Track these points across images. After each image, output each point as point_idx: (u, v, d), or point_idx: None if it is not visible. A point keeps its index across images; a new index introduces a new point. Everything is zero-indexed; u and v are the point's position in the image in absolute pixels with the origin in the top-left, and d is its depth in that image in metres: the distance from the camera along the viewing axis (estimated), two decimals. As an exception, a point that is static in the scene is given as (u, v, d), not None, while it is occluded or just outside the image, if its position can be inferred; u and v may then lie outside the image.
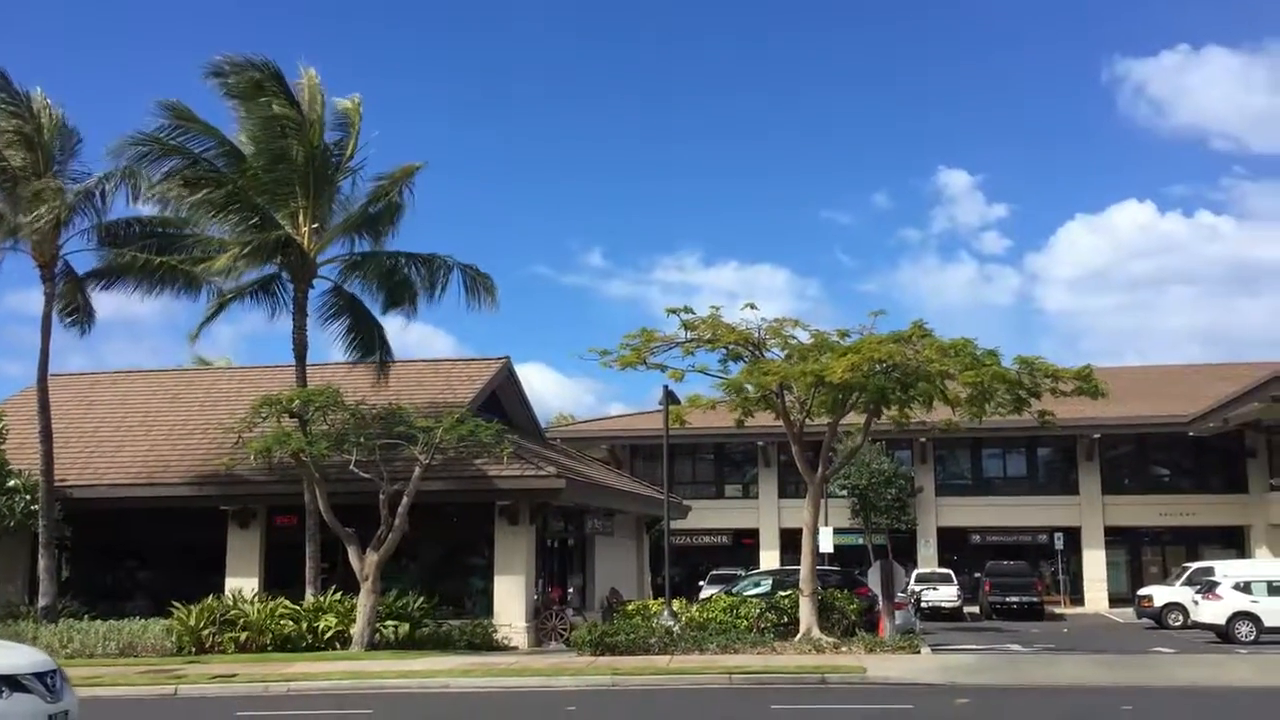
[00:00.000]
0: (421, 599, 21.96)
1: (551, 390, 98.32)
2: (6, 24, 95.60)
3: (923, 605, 35.12)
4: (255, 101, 22.37)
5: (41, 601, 21.95)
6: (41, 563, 22.27)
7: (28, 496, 22.71)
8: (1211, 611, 26.50)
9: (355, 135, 23.44)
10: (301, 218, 23.01)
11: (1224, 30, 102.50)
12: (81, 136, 23.76)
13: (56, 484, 22.87)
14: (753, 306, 21.37)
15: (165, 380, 31.41)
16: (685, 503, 34.97)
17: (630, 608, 24.33)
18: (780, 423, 22.34)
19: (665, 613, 22.19)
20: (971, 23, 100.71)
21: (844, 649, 19.58)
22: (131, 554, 26.78)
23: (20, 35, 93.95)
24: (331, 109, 23.38)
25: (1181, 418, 39.59)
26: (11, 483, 22.71)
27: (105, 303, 24.94)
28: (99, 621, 21.11)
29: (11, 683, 8.91)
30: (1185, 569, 32.97)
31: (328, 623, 20.90)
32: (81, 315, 24.34)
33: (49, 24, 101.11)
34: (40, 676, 9.26)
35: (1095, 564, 43.71)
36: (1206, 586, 27.61)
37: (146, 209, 24.46)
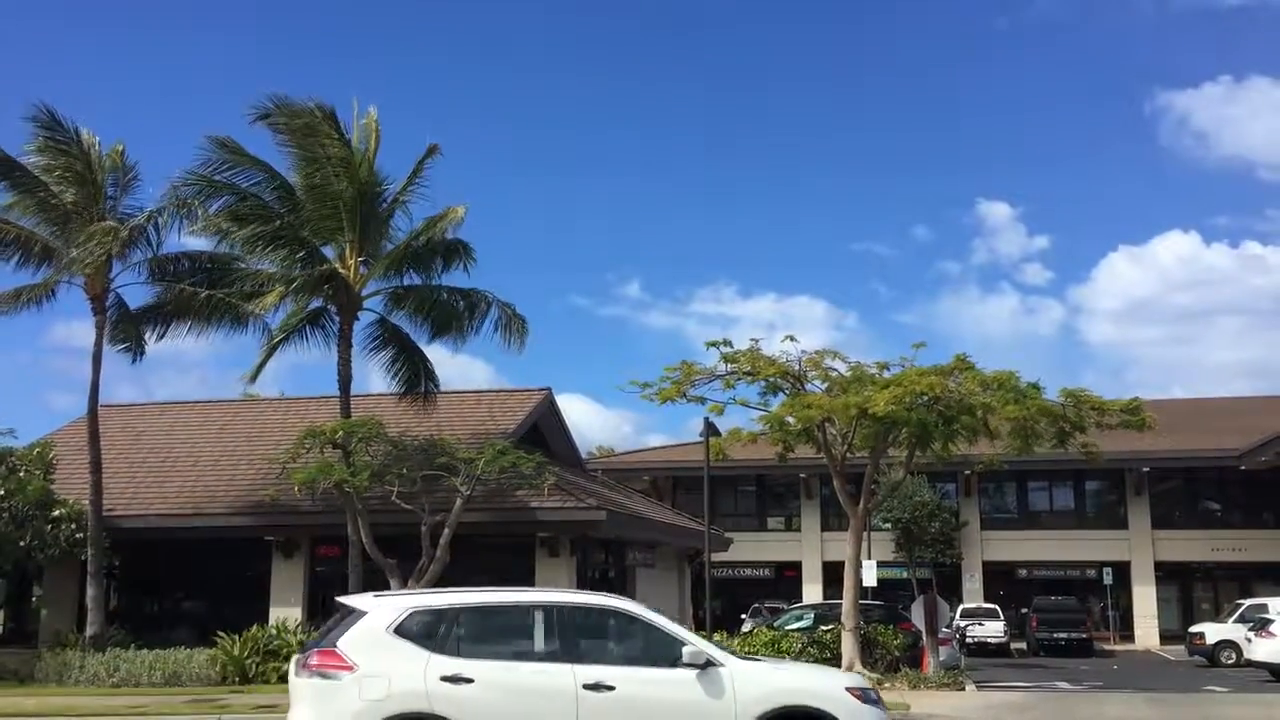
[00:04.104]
0: (462, 630, 21.94)
1: (590, 421, 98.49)
2: (66, 64, 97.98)
3: (968, 641, 34.67)
4: (306, 139, 22.64)
5: (89, 630, 22.19)
6: (89, 592, 22.54)
7: (73, 525, 23.01)
8: (1265, 649, 25.89)
9: (411, 178, 23.72)
10: (349, 251, 23.28)
11: (1267, 61, 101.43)
12: (138, 173, 24.12)
13: (105, 514, 23.17)
14: (792, 339, 21.36)
15: (212, 411, 31.79)
16: (727, 535, 34.79)
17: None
18: (822, 455, 22.22)
19: (706, 646, 21.96)
20: (1010, 56, 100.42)
21: (887, 685, 19.35)
22: (177, 583, 27.05)
23: (82, 77, 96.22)
24: (390, 147, 23.66)
25: (1233, 451, 38.92)
26: (57, 512, 23.03)
27: (154, 336, 25.01)
28: (145, 650, 21.29)
29: (869, 697, 9.98)
30: (1238, 605, 32.31)
31: (370, 654, 20.94)
32: (134, 345, 24.66)
33: (123, 66, 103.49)
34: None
35: (1145, 600, 42.95)
36: (1260, 624, 27.00)
37: (197, 243, 24.93)
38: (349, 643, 9.47)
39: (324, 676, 9.37)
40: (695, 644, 9.74)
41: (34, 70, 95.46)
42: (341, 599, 10.68)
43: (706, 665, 9.52)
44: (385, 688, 9.22)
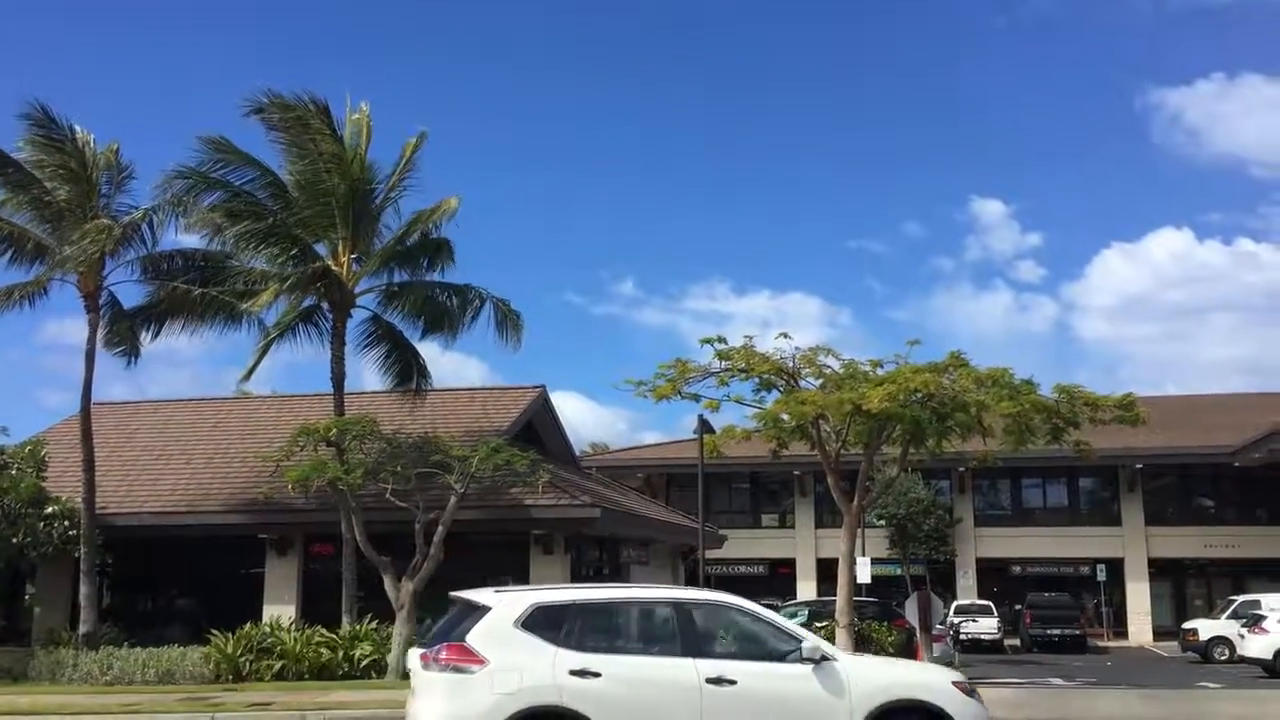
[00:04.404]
0: (457, 628, 21.91)
1: (584, 418, 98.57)
2: (65, 63, 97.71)
3: (962, 637, 34.74)
4: (299, 135, 22.60)
5: (82, 629, 22.14)
6: (83, 590, 22.49)
7: (66, 523, 22.97)
8: (1258, 645, 26.00)
9: (401, 169, 23.64)
10: (341, 248, 23.23)
11: (1259, 58, 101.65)
12: (133, 171, 23.99)
13: (98, 512, 23.11)
14: (786, 336, 21.30)
15: (205, 408, 31.74)
16: (721, 532, 34.81)
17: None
18: (816, 452, 22.20)
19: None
20: (1006, 54, 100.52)
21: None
22: (171, 581, 27.01)
23: (81, 76, 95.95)
24: (387, 144, 23.58)
25: (1226, 448, 38.96)
26: (50, 510, 22.98)
27: (149, 336, 24.82)
28: (138, 649, 21.21)
29: (971, 691, 10.24)
30: (1231, 602, 32.41)
31: (363, 651, 20.92)
32: (128, 348, 24.55)
33: (122, 65, 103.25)
34: None
35: (1139, 596, 43.05)
36: (1253, 620, 27.12)
37: (190, 240, 24.86)
38: (478, 637, 9.57)
39: (457, 670, 9.47)
40: (811, 640, 10.02)
41: (33, 69, 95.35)
42: (460, 594, 10.76)
43: (822, 660, 9.79)
44: (517, 681, 9.36)
